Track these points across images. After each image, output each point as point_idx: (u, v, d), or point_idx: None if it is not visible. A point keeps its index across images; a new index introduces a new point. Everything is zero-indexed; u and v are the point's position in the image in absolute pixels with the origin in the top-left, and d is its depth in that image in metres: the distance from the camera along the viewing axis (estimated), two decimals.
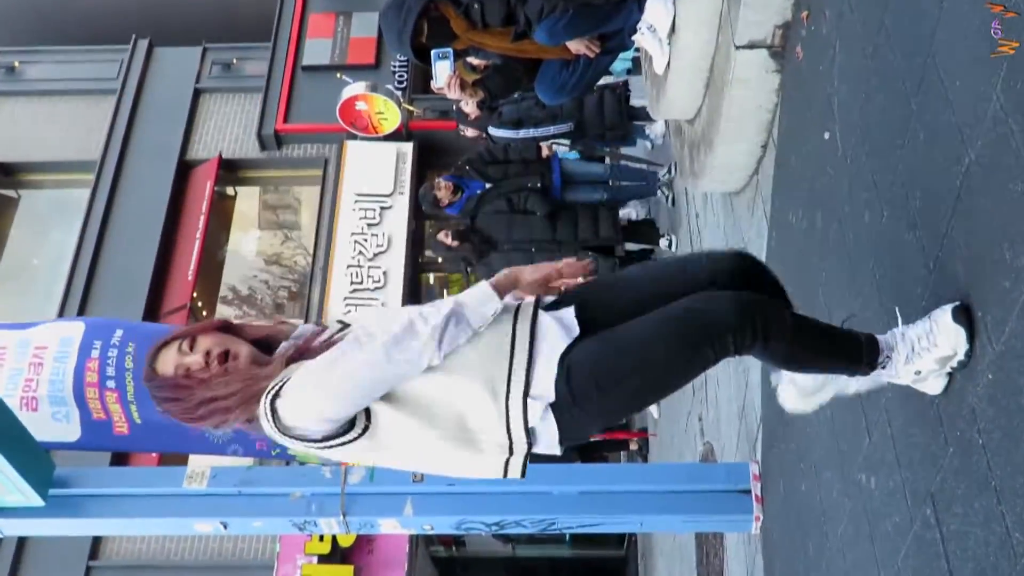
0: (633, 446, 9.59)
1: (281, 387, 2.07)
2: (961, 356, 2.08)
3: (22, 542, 9.85)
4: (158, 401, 2.25)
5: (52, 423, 4.03)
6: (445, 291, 14.09)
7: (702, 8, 4.05)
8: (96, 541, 10.07)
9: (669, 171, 7.39)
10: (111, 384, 4.00)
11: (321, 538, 9.25)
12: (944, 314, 2.10)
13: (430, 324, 2.02)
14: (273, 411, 2.07)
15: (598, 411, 2.12)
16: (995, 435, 1.91)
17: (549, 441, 2.14)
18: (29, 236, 13.10)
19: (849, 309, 2.86)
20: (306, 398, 2.05)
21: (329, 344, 2.13)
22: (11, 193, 13.09)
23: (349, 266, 11.58)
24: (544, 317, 2.16)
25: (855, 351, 2.22)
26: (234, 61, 13.22)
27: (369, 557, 9.57)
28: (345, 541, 9.35)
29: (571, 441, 2.18)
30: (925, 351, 2.14)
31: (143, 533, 9.01)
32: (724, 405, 5.06)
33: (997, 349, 1.91)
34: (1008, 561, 1.82)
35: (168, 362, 2.22)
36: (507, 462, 2.12)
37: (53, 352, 4.05)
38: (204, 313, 12.06)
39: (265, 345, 2.26)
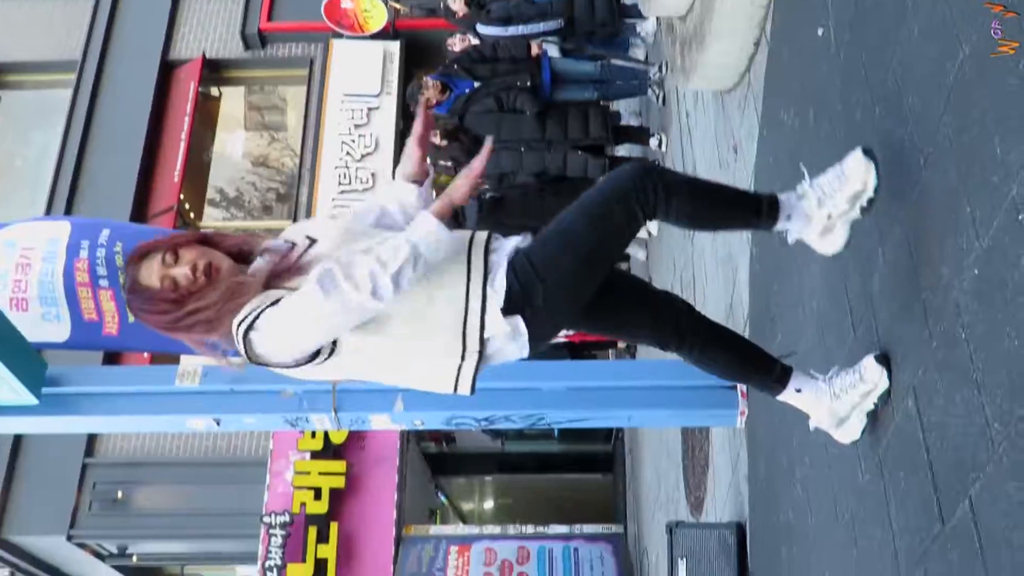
0: (621, 344, 9.69)
1: (255, 320, 2.14)
2: (870, 192, 2.29)
3: (18, 440, 9.98)
4: (140, 312, 2.31)
5: (43, 323, 4.04)
6: (433, 193, 14.02)
7: None
8: (91, 439, 10.22)
9: (660, 69, 7.29)
10: (104, 283, 4.00)
11: (313, 434, 9.40)
12: (854, 152, 2.29)
13: (389, 272, 2.11)
14: (247, 342, 2.16)
15: (551, 300, 2.28)
16: (978, 329, 1.94)
17: (515, 345, 2.29)
18: (11, 137, 12.92)
19: None
20: (276, 340, 2.17)
21: (299, 268, 2.21)
22: None
23: (337, 167, 11.49)
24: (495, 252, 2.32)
25: (755, 205, 2.42)
26: None
27: (361, 453, 9.74)
28: (337, 437, 9.51)
29: (540, 339, 2.33)
30: (836, 191, 2.31)
31: (136, 430, 9.15)
32: (711, 303, 5.10)
33: (984, 244, 1.92)
34: (986, 451, 1.86)
35: (152, 274, 2.27)
36: (459, 370, 2.27)
37: (41, 253, 4.03)
38: (192, 215, 12.00)
39: (240, 257, 2.34)
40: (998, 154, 1.87)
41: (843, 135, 2.87)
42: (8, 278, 4.02)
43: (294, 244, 2.32)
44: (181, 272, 2.24)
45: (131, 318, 4.06)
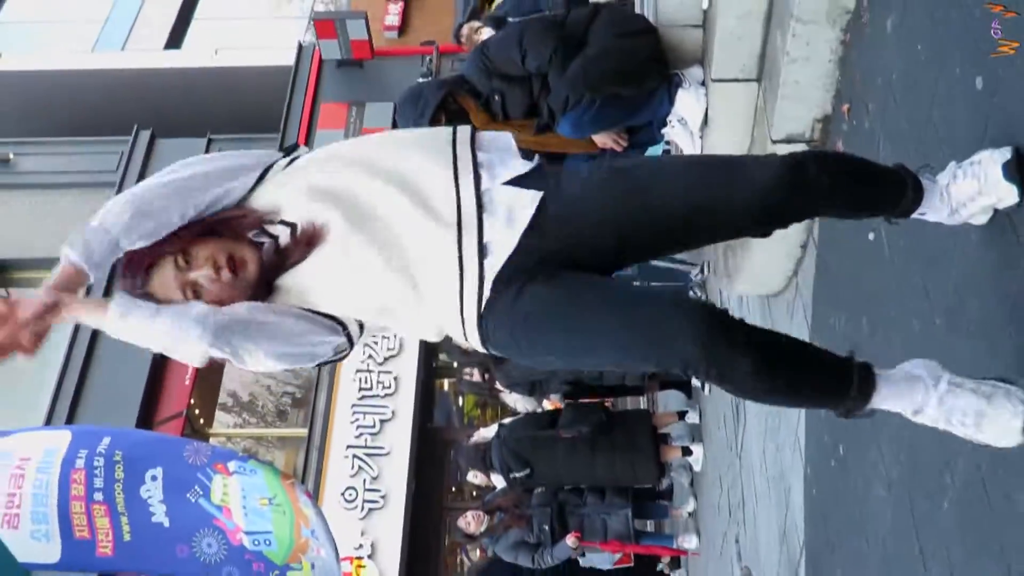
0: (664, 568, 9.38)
1: None
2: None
3: None
4: None
5: (31, 542, 3.99)
6: (460, 398, 14.05)
7: (736, 100, 4.12)
8: None
9: (702, 271, 7.40)
10: (99, 496, 3.97)
11: None
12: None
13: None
14: None
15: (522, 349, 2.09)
16: None
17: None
18: None
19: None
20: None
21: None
22: (1, 292, 13.25)
23: (358, 371, 11.58)
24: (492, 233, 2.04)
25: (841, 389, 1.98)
26: None
27: None
28: None
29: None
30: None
31: None
32: (763, 527, 4.97)
33: None
34: None
35: (169, 285, 2.09)
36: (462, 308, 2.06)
37: (36, 463, 4.04)
38: (201, 422, 12.05)
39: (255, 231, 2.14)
40: None
41: (900, 344, 2.86)
42: (2, 493, 4.01)
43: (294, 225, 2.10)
44: (203, 275, 2.06)
45: (126, 535, 4.01)
